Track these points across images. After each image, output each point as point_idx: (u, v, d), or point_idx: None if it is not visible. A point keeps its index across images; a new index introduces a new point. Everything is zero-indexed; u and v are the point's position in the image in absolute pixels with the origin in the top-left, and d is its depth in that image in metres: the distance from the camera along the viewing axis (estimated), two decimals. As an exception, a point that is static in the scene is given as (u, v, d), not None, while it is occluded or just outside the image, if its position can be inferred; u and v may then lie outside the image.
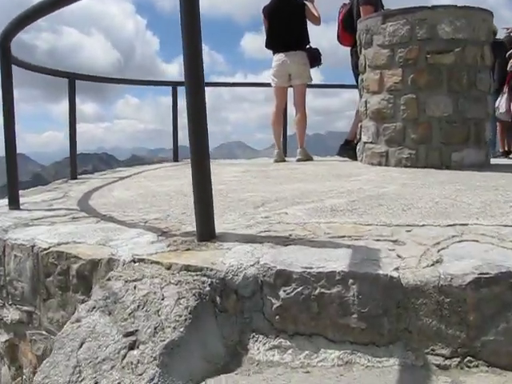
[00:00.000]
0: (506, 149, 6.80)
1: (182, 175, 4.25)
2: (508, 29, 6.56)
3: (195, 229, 1.76)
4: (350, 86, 6.32)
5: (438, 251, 1.47)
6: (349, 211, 2.19)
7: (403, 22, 4.04)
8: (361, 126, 4.59)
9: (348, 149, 5.21)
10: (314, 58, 5.33)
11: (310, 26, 5.35)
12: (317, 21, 5.30)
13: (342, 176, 3.72)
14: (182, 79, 1.72)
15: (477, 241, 1.59)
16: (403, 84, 4.07)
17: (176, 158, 6.60)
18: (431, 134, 4.04)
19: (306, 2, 5.26)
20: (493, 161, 4.67)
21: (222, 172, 4.35)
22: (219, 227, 1.84)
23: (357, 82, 4.94)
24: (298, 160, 5.33)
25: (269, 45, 5.39)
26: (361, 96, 4.63)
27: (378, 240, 1.64)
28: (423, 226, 1.84)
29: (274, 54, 5.37)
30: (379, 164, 4.28)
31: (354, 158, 4.90)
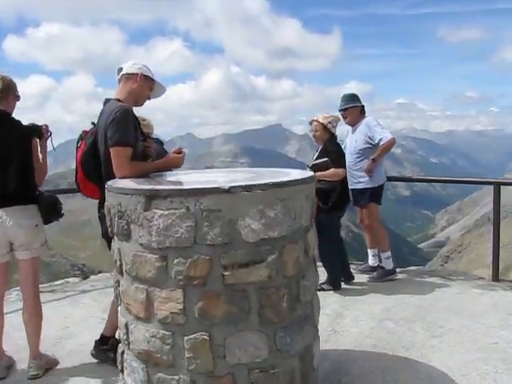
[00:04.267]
0: None
1: None
2: None
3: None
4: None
5: None
6: None
7: (182, 213, 2.27)
8: (122, 354, 2.74)
9: (106, 350, 3.40)
10: (52, 209, 3.27)
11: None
12: (42, 171, 3.27)
13: None
14: None
15: None
16: (186, 315, 2.34)
17: None
18: (236, 391, 2.41)
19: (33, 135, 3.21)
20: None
21: None
22: None
23: None
24: (32, 377, 3.26)
25: None
26: (118, 299, 2.76)
27: None
28: None
29: None
30: (156, 431, 2.52)
31: (115, 363, 3.10)
